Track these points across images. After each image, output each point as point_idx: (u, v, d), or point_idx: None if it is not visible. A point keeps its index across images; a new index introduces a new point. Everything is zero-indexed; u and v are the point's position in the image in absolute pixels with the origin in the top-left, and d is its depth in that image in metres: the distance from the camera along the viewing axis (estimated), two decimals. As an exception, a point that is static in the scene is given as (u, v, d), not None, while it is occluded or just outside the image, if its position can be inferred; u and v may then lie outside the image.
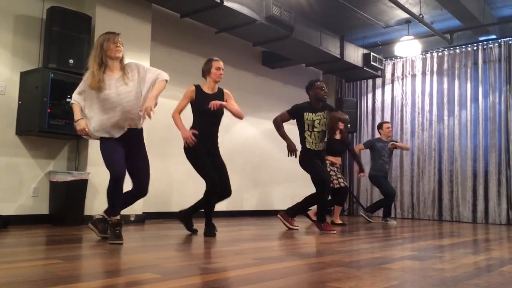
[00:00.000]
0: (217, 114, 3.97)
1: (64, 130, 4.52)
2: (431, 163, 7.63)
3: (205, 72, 4.07)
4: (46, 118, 4.36)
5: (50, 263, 2.38)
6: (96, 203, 4.87)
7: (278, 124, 4.93)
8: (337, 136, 5.79)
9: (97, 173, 4.87)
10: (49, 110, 4.38)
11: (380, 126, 6.81)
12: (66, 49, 4.60)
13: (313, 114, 4.78)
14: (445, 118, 7.60)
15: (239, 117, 4.05)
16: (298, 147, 4.84)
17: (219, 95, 4.06)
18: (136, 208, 5.19)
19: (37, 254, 2.82)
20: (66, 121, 4.51)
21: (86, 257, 2.74)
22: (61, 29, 4.57)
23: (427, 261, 2.82)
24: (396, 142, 6.88)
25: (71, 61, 4.60)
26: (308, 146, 4.78)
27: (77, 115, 3.27)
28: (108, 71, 3.30)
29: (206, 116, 3.92)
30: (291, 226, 4.91)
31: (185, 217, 4.14)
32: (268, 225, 5.50)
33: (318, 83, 4.87)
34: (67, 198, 4.57)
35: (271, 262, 2.65)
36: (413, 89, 8.09)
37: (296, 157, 4.82)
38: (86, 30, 4.78)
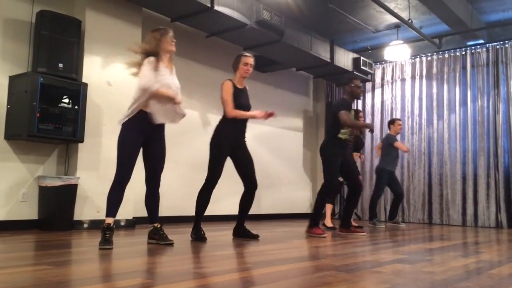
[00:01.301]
0: (249, 107, 4.08)
1: (54, 135, 4.48)
2: (421, 167, 7.69)
3: (235, 67, 4.12)
4: (35, 123, 4.32)
5: (40, 269, 2.36)
6: (86, 208, 4.84)
7: (354, 122, 4.95)
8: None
9: (86, 178, 4.84)
10: (38, 115, 4.35)
11: (392, 122, 6.83)
12: (56, 53, 4.57)
13: (352, 110, 4.96)
14: (435, 122, 7.67)
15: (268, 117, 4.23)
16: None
17: (246, 90, 4.18)
18: (127, 212, 5.16)
19: (27, 260, 2.79)
20: (55, 125, 4.48)
21: (76, 263, 2.72)
22: (51, 33, 4.54)
23: (417, 264, 2.84)
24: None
25: (60, 65, 4.57)
26: (339, 135, 4.79)
27: (166, 92, 3.38)
28: (160, 62, 3.46)
29: (240, 110, 3.98)
30: (358, 234, 4.94)
31: (239, 229, 4.20)
32: (260, 229, 5.50)
33: (356, 81, 5.00)
34: (56, 203, 4.53)
35: (263, 266, 2.65)
36: (402, 93, 8.16)
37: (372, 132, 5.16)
38: (76, 34, 4.75)
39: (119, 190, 3.39)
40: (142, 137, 3.43)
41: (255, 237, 4.13)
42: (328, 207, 5.92)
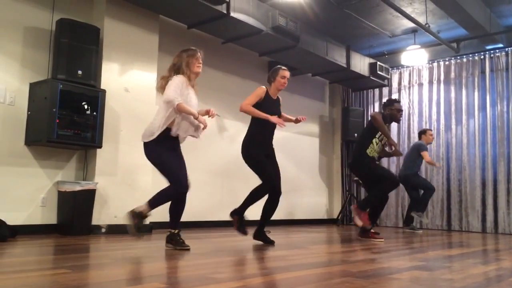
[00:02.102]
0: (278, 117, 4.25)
1: (72, 140, 4.55)
2: (439, 172, 7.58)
3: (271, 79, 4.28)
4: (54, 129, 4.40)
5: (59, 272, 2.39)
6: (104, 213, 4.89)
7: (384, 128, 4.89)
8: None
9: (105, 183, 4.90)
10: (57, 121, 4.42)
11: (424, 132, 6.90)
12: (75, 60, 4.65)
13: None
14: (453, 127, 7.57)
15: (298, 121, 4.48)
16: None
17: (278, 101, 4.37)
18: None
19: (46, 264, 2.83)
20: (74, 131, 4.55)
21: (94, 267, 2.75)
22: (70, 41, 4.62)
23: (436, 271, 2.80)
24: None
25: (79, 72, 4.65)
26: (367, 152, 4.89)
27: (192, 110, 3.52)
28: (189, 82, 3.64)
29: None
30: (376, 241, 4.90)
31: (259, 233, 4.27)
32: (277, 234, 5.48)
33: (397, 104, 5.01)
34: (75, 207, 4.59)
35: (280, 272, 2.64)
36: (420, 98, 8.07)
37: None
38: (95, 42, 4.83)
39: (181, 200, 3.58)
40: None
41: (271, 243, 4.19)
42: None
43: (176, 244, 3.54)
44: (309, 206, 8.14)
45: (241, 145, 4.21)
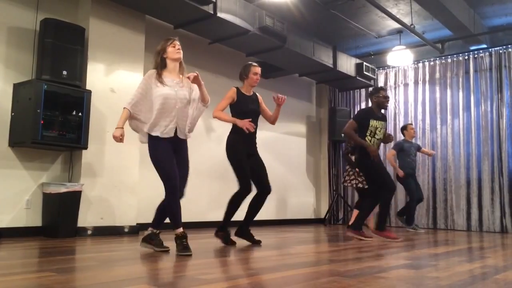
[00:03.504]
0: (256, 115, 4.22)
1: (58, 142, 4.50)
2: (425, 172, 7.66)
3: (243, 76, 4.26)
4: (39, 130, 4.35)
5: (44, 275, 2.36)
6: (90, 215, 4.84)
7: (351, 134, 4.91)
8: None
9: (90, 184, 4.85)
10: (42, 122, 4.37)
11: (405, 128, 6.91)
12: (60, 60, 4.60)
13: (377, 121, 4.91)
14: (438, 126, 7.65)
15: (275, 121, 4.45)
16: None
17: (255, 98, 4.32)
18: (130, 219, 5.17)
19: (31, 266, 2.80)
20: (59, 132, 4.50)
21: (80, 269, 2.72)
22: (55, 41, 4.57)
23: (422, 270, 2.82)
24: (422, 148, 7.03)
25: (64, 72, 4.60)
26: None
27: (120, 122, 3.40)
28: (167, 72, 3.46)
29: (246, 117, 4.07)
30: (364, 238, 4.87)
31: (243, 231, 4.22)
32: (264, 234, 5.49)
33: (383, 91, 4.99)
34: (60, 209, 4.54)
35: (266, 272, 2.64)
36: (405, 98, 8.15)
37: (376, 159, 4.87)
38: (80, 42, 4.78)
39: (174, 198, 3.41)
40: (171, 146, 3.44)
41: (258, 243, 4.15)
42: (355, 213, 5.90)
43: (156, 245, 3.49)
44: (296, 206, 8.16)
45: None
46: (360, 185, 5.89)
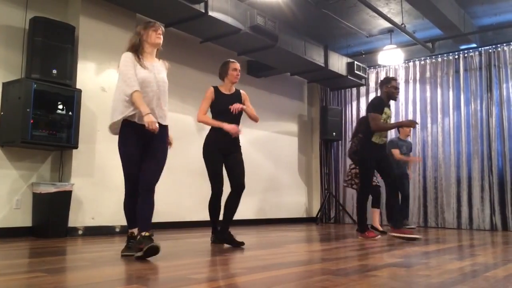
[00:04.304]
0: (237, 114, 4.06)
1: (47, 141, 4.47)
2: (415, 170, 7.70)
3: (222, 74, 4.16)
4: (29, 129, 4.31)
5: (34, 276, 2.34)
6: (80, 215, 4.81)
7: (383, 126, 4.77)
8: None
9: (81, 184, 4.82)
10: (32, 121, 4.33)
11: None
12: (49, 59, 4.56)
13: (388, 110, 4.87)
14: (429, 125, 7.70)
15: (255, 120, 4.23)
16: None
17: (237, 95, 4.18)
18: (121, 219, 5.14)
19: (21, 267, 2.77)
20: (49, 131, 4.46)
21: (70, 270, 2.70)
22: (44, 39, 4.53)
23: (413, 268, 2.84)
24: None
25: (54, 71, 4.56)
26: (373, 140, 4.81)
27: (146, 106, 3.05)
28: (147, 56, 3.25)
29: (226, 116, 3.97)
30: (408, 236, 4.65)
31: (224, 234, 4.00)
32: (255, 233, 5.49)
33: (394, 82, 4.90)
34: (50, 209, 4.50)
35: (258, 271, 2.64)
36: (396, 97, 8.18)
37: (415, 127, 4.93)
38: (70, 40, 4.74)
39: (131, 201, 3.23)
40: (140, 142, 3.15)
41: (240, 245, 3.90)
42: (375, 212, 5.90)
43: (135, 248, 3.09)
44: (288, 205, 8.17)
45: None
46: (355, 186, 5.94)
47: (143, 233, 3.02)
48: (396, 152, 6.49)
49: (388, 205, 4.91)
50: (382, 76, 8.43)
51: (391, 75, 8.30)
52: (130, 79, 3.07)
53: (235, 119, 4.04)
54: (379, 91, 5.18)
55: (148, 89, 3.13)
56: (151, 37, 3.24)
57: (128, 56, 3.19)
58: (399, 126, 4.93)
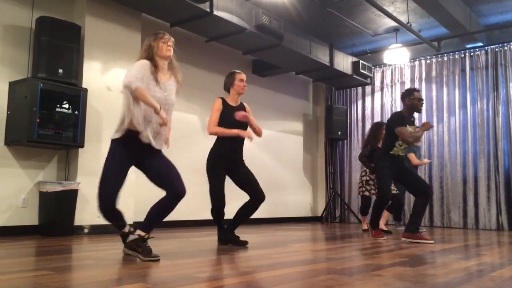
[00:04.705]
0: (243, 127, 3.97)
1: (54, 140, 4.49)
2: (421, 170, 7.66)
3: (228, 85, 4.06)
4: (35, 128, 4.33)
5: (41, 274, 2.36)
6: (86, 213, 4.83)
7: (410, 137, 4.55)
8: (380, 144, 5.65)
9: (87, 183, 4.83)
10: (38, 120, 4.35)
11: None
12: (56, 58, 4.58)
13: (410, 127, 4.63)
14: (434, 124, 7.66)
15: (259, 133, 4.09)
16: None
17: (242, 108, 4.06)
18: (127, 217, 5.15)
19: (27, 265, 2.79)
20: (55, 130, 4.48)
21: (77, 268, 2.71)
22: (50, 39, 4.55)
23: (418, 267, 2.83)
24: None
25: (60, 70, 4.58)
26: (393, 152, 4.68)
27: (151, 101, 2.87)
28: (161, 72, 3.08)
29: (233, 128, 3.89)
30: (423, 241, 4.45)
31: (227, 235, 4.00)
32: (261, 233, 5.49)
33: (417, 93, 4.68)
34: (56, 208, 4.52)
35: (263, 270, 2.65)
36: (402, 96, 8.15)
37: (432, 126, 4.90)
38: (76, 40, 4.76)
39: (102, 209, 3.04)
40: (132, 160, 3.06)
41: (244, 244, 3.90)
42: (384, 213, 5.81)
43: (143, 253, 2.96)
44: (293, 204, 8.17)
45: None
46: (366, 193, 5.98)
47: (143, 234, 3.03)
48: (412, 157, 6.29)
49: (417, 212, 4.69)
50: (387, 75, 8.40)
51: (397, 74, 8.27)
52: (136, 77, 2.86)
53: (241, 129, 3.95)
54: (400, 104, 5.01)
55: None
56: (162, 49, 3.06)
57: (145, 64, 2.96)
58: (424, 131, 4.71)
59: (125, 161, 3.05)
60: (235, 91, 4.03)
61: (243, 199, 4.05)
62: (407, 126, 4.59)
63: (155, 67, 3.03)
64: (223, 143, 3.95)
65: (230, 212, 4.04)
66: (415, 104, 4.65)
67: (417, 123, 7.75)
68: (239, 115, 3.84)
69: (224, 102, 4.01)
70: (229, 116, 3.91)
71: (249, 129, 4.05)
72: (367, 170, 5.98)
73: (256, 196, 3.97)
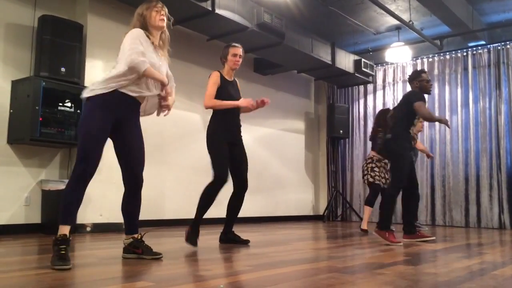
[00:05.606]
0: (239, 100, 3.85)
1: (56, 138, 4.50)
2: (423, 168, 7.67)
3: (222, 58, 3.94)
4: (38, 127, 4.34)
5: (43, 272, 2.37)
6: (89, 212, 4.84)
7: (429, 114, 4.48)
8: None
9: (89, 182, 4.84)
10: (40, 119, 4.37)
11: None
12: (58, 57, 4.59)
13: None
14: (436, 123, 7.65)
15: (260, 104, 3.91)
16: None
17: (235, 83, 4.00)
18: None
19: (29, 263, 2.80)
20: (58, 129, 4.49)
21: (78, 266, 2.72)
22: (53, 38, 4.56)
23: (420, 266, 2.83)
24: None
25: (62, 69, 4.60)
26: (409, 131, 4.46)
27: (160, 76, 2.81)
28: (154, 41, 2.92)
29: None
30: (391, 243, 4.14)
31: (228, 233, 3.95)
32: (262, 231, 5.50)
33: (424, 74, 4.47)
34: (59, 206, 4.52)
35: (264, 268, 2.65)
36: (404, 95, 8.14)
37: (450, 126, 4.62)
38: (78, 39, 4.77)
39: (80, 187, 2.75)
40: (111, 121, 2.79)
41: (246, 243, 3.88)
42: (367, 210, 5.63)
43: (145, 253, 2.91)
44: (294, 203, 8.17)
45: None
46: (377, 180, 5.57)
47: (136, 235, 2.94)
48: (418, 142, 6.00)
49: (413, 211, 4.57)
50: (389, 73, 8.39)
51: (399, 72, 8.26)
52: (141, 52, 2.72)
53: (237, 108, 3.84)
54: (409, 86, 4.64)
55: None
56: (155, 19, 2.89)
57: (140, 33, 2.80)
58: (439, 120, 4.54)
59: (106, 122, 2.78)
60: (229, 67, 3.90)
61: (221, 204, 3.96)
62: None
63: (147, 36, 2.87)
64: (220, 118, 3.79)
65: (211, 214, 3.92)
66: (424, 86, 4.44)
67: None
68: (259, 103, 3.80)
69: (221, 76, 3.86)
70: (225, 91, 3.80)
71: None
72: (373, 157, 5.66)
73: (240, 184, 3.85)
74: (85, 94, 2.82)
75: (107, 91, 2.74)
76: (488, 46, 7.33)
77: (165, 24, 2.94)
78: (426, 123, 7.71)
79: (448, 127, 4.96)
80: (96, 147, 2.74)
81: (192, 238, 3.60)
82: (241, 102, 3.77)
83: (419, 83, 4.44)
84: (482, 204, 7.06)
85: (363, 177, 5.80)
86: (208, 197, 3.69)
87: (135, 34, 2.79)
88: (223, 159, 3.72)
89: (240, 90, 4.06)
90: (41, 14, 4.68)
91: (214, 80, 3.80)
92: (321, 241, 4.76)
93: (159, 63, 2.89)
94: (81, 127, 2.78)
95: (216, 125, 3.80)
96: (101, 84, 2.79)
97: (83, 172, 2.72)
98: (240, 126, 3.94)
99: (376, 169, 5.66)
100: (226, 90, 3.81)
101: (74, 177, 2.73)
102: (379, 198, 5.57)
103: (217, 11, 5.29)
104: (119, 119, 2.81)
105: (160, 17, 2.90)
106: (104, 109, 2.75)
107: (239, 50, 3.89)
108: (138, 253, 2.91)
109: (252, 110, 3.96)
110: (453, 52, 7.64)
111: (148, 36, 2.86)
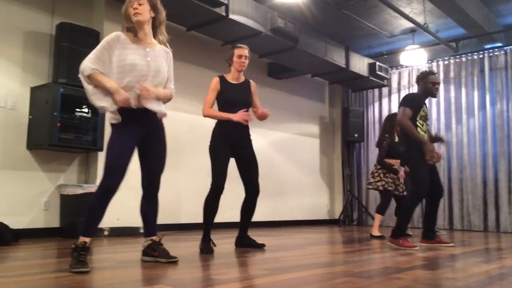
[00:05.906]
0: (246, 105, 3.75)
1: (74, 144, 4.57)
2: (440, 172, 7.53)
3: (228, 61, 3.84)
4: (56, 132, 4.42)
5: (62, 275, 2.40)
6: (106, 216, 4.88)
7: (407, 124, 4.08)
8: (397, 139, 5.47)
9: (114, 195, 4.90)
10: (59, 124, 4.44)
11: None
12: (76, 64, 4.60)
13: (426, 107, 4.32)
14: (453, 126, 7.58)
15: (261, 116, 3.85)
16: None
17: (245, 85, 3.85)
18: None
19: (49, 267, 2.84)
20: (75, 134, 4.56)
21: (97, 270, 2.75)
22: (70, 44, 4.64)
23: (438, 271, 2.81)
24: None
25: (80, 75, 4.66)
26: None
27: (109, 81, 2.73)
28: (140, 36, 2.86)
29: (233, 107, 3.68)
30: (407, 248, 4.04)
31: (243, 238, 3.92)
32: (278, 236, 5.49)
33: (432, 76, 4.27)
34: (77, 211, 4.59)
35: (280, 272, 2.65)
36: (419, 98, 8.07)
37: (438, 161, 4.18)
38: (95, 45, 4.77)
39: (104, 203, 2.84)
40: (137, 136, 2.89)
41: (261, 247, 3.87)
42: (378, 218, 5.53)
43: (160, 256, 2.94)
44: (310, 207, 8.15)
45: None
46: (390, 188, 5.44)
47: (155, 238, 3.00)
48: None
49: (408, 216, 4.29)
50: (404, 76, 8.33)
51: (414, 75, 8.19)
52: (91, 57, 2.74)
53: (243, 108, 3.73)
54: (416, 87, 4.50)
55: (134, 73, 2.76)
56: (130, 15, 2.82)
57: (108, 38, 2.79)
58: (416, 138, 4.07)
59: (131, 139, 2.85)
60: (235, 69, 3.80)
61: (238, 207, 3.97)
62: (425, 107, 4.29)
63: (134, 35, 2.82)
64: (223, 123, 3.72)
65: (228, 218, 3.90)
66: (429, 88, 4.28)
67: (435, 124, 7.70)
68: (242, 119, 3.66)
69: (222, 80, 3.77)
70: (228, 95, 3.71)
71: (250, 110, 3.83)
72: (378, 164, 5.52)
73: (251, 190, 3.80)
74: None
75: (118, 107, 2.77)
76: (505, 48, 7.24)
77: (140, 18, 2.81)
78: (442, 126, 7.64)
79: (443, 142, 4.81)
80: (121, 163, 2.80)
81: (206, 248, 3.59)
82: (234, 116, 3.65)
83: (424, 85, 4.31)
84: (501, 207, 6.96)
85: (372, 184, 5.55)
86: (208, 207, 3.69)
87: (102, 41, 2.81)
88: (220, 166, 3.66)
89: (255, 92, 3.96)
90: (59, 21, 4.77)
91: (212, 86, 3.76)
92: (337, 245, 4.74)
93: (147, 60, 2.81)
94: (108, 142, 2.84)
95: (217, 131, 3.77)
96: None
97: (107, 187, 2.80)
98: (247, 128, 3.80)
99: (387, 175, 5.50)
100: (228, 94, 3.74)
101: (99, 192, 2.80)
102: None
103: (231, 16, 5.33)
104: (145, 132, 2.89)
105: (134, 11, 2.79)
106: (128, 124, 2.81)
107: (244, 51, 3.81)
108: (155, 256, 2.94)
109: (262, 119, 3.88)
110: (469, 54, 7.56)
111: (135, 35, 2.82)
